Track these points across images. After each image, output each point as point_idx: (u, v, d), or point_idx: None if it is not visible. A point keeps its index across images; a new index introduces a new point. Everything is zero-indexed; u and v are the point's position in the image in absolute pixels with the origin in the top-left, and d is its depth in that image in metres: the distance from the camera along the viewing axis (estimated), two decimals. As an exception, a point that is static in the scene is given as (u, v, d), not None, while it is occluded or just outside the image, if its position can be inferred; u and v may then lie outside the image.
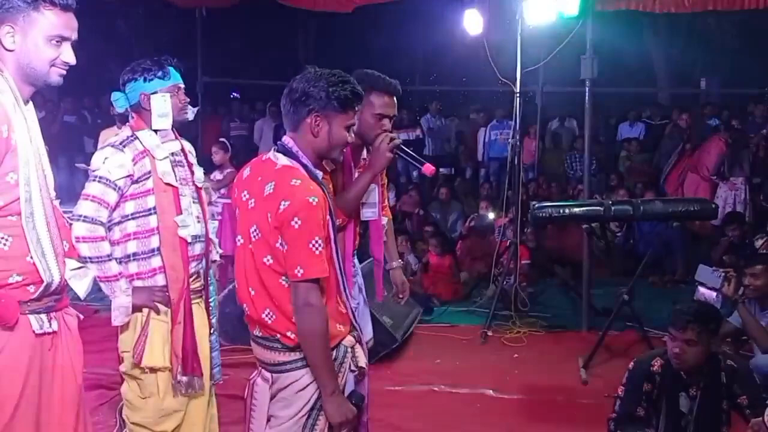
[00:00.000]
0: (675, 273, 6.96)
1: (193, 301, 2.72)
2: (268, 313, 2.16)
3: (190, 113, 2.82)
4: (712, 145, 8.18)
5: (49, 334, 2.07)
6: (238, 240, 2.25)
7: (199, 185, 2.81)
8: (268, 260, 2.14)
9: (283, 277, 2.13)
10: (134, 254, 2.62)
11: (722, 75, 12.71)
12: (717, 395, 3.05)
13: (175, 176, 2.68)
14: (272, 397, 2.22)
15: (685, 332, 2.97)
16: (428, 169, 2.86)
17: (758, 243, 4.76)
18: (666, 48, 13.75)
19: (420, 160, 2.89)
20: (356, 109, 2.23)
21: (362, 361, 2.27)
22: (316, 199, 2.09)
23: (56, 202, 2.20)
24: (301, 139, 2.20)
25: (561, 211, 4.61)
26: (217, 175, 6.57)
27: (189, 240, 2.67)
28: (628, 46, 11.34)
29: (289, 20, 11.83)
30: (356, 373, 2.24)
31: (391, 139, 2.76)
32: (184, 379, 2.65)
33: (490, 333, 5.37)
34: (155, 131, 2.68)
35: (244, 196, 2.24)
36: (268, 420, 2.23)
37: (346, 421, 2.13)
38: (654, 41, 13.79)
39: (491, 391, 4.36)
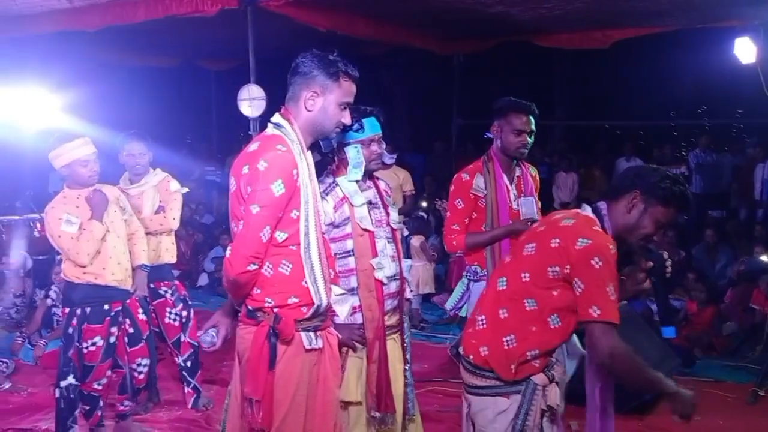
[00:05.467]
0: None
1: (388, 337, 2.84)
2: (484, 348, 2.28)
3: (387, 159, 2.94)
4: None
5: (316, 350, 2.37)
6: (501, 283, 2.34)
7: (394, 227, 2.93)
8: (530, 304, 2.23)
9: (552, 317, 2.21)
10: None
11: None
12: None
13: (371, 220, 2.83)
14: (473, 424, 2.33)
15: None
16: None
17: None
18: None
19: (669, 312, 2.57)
20: (668, 209, 2.27)
21: (553, 400, 2.25)
22: (614, 250, 2.17)
23: (325, 236, 2.53)
24: (617, 210, 2.30)
25: None
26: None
27: (384, 281, 2.81)
28: None
29: (543, 58, 11.88)
30: (548, 413, 2.22)
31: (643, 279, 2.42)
32: (378, 415, 2.77)
33: (762, 393, 4.77)
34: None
35: (529, 248, 2.32)
36: None
37: (695, 405, 2.20)
38: None
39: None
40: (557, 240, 2.20)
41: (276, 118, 2.41)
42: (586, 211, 2.32)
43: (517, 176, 3.61)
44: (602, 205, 2.32)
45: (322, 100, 2.36)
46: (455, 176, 3.62)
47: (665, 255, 2.30)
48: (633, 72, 12.21)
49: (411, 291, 3.07)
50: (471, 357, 2.31)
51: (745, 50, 5.61)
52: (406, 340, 2.98)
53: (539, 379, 2.23)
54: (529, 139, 3.51)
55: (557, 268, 2.17)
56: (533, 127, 3.51)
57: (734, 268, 6.83)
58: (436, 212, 7.55)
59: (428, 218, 7.77)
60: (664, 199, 2.23)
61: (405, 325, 2.99)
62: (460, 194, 3.57)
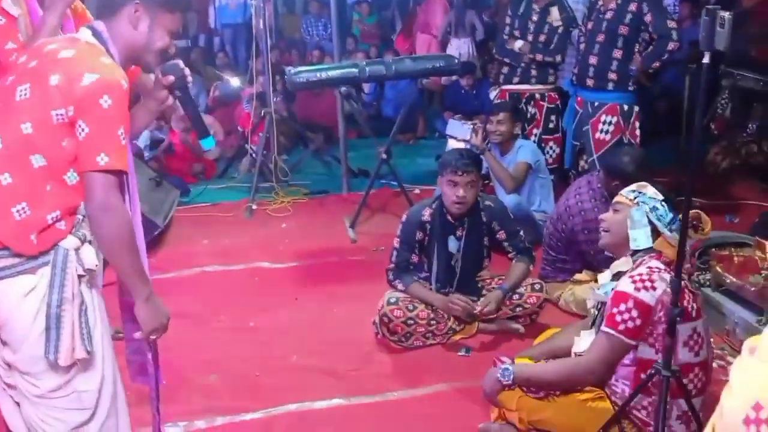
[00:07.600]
0: (416, 130, 7.42)
1: None
2: None
3: None
4: (438, 6, 8.60)
5: None
6: None
7: None
8: (37, 160, 1.79)
9: (69, 174, 1.81)
10: None
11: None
12: (480, 233, 3.37)
13: None
14: None
15: (467, 175, 3.20)
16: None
17: (493, 94, 5.19)
18: None
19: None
20: (175, 14, 1.99)
21: (90, 261, 1.92)
22: (126, 85, 1.81)
23: None
24: (120, 29, 1.92)
25: (318, 75, 4.51)
26: None
27: None
28: None
29: None
30: (86, 277, 1.92)
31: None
32: None
33: (254, 206, 5.29)
34: None
35: (23, 91, 1.81)
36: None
37: (161, 327, 1.96)
38: None
39: (266, 263, 4.35)
40: (58, 76, 1.78)
41: None
42: (85, 36, 1.91)
43: None
44: (100, 25, 1.93)
45: None
46: None
47: (181, 64, 2.08)
48: None
49: None
50: None
51: None
52: None
53: (69, 242, 1.88)
54: None
55: (62, 111, 1.76)
56: None
57: (211, 95, 7.12)
58: None
59: None
60: (167, 3, 1.98)
61: None
62: None
